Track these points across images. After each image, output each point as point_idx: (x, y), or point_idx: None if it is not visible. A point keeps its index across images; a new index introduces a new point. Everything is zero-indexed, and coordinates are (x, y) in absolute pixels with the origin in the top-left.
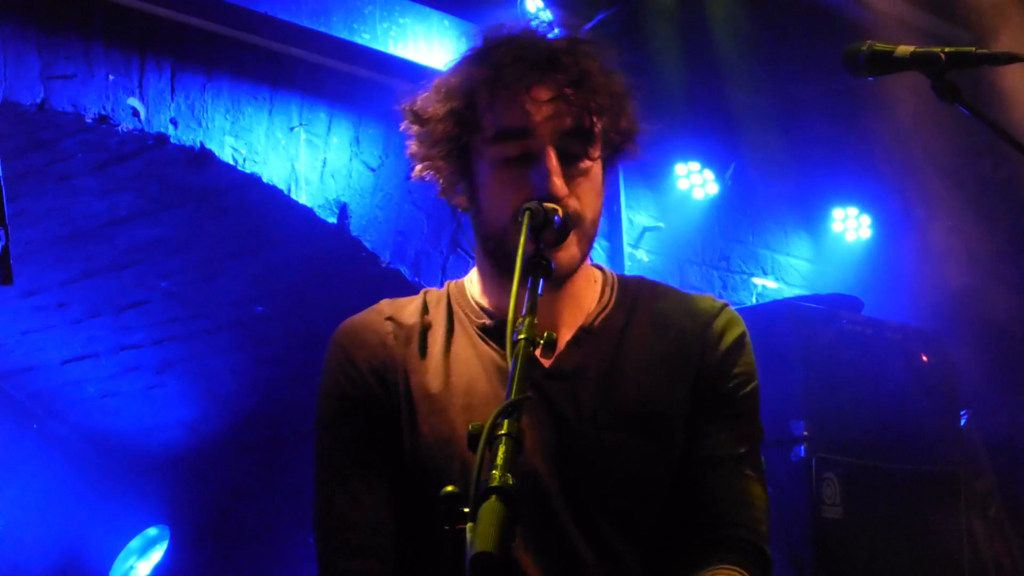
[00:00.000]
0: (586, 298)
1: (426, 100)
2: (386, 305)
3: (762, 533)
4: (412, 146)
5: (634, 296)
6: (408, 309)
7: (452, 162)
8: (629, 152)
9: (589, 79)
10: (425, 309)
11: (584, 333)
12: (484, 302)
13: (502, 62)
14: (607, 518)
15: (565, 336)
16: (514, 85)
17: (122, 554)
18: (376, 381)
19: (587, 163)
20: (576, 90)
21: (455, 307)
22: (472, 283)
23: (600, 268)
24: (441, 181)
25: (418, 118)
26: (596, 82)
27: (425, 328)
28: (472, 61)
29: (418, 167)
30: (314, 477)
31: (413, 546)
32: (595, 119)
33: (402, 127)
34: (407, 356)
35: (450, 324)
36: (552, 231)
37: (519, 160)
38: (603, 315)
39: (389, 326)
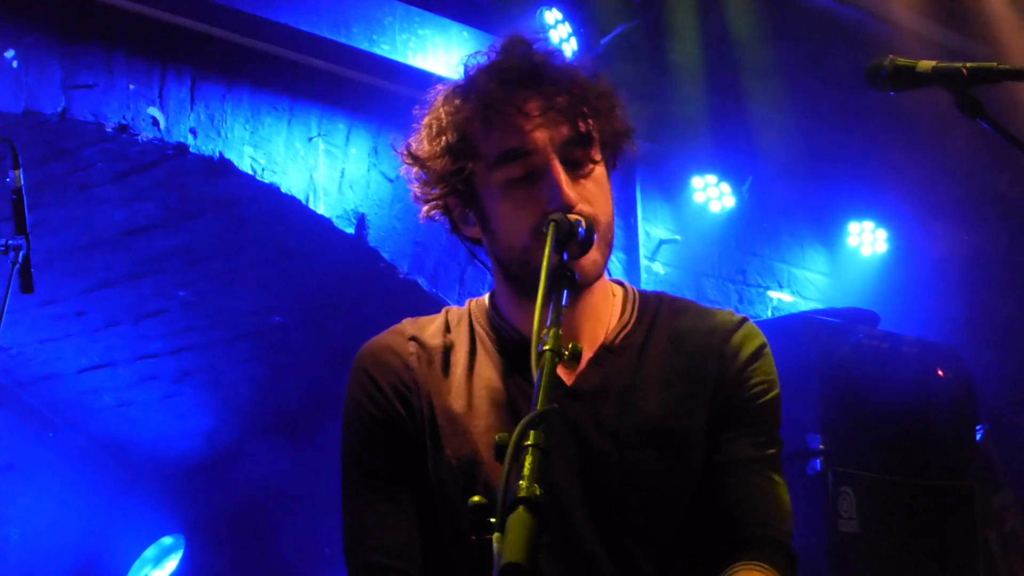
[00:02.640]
0: (605, 313)
1: (419, 141)
2: (408, 325)
3: (786, 531)
4: (415, 189)
5: (654, 312)
6: (430, 329)
7: (458, 196)
8: (627, 151)
9: (576, 85)
10: (447, 328)
11: (605, 351)
12: (506, 322)
13: (488, 87)
14: (630, 534)
15: (586, 353)
16: (505, 107)
17: (137, 563)
18: (400, 403)
19: (590, 166)
20: (566, 97)
21: (476, 326)
22: (493, 302)
23: (621, 283)
24: (450, 217)
25: (415, 160)
26: (583, 86)
27: (447, 348)
28: (457, 93)
29: (425, 208)
30: (341, 498)
31: (439, 565)
32: (590, 122)
33: (401, 172)
34: (430, 377)
35: (472, 344)
36: (576, 242)
37: (526, 179)
38: (624, 332)
39: (412, 347)
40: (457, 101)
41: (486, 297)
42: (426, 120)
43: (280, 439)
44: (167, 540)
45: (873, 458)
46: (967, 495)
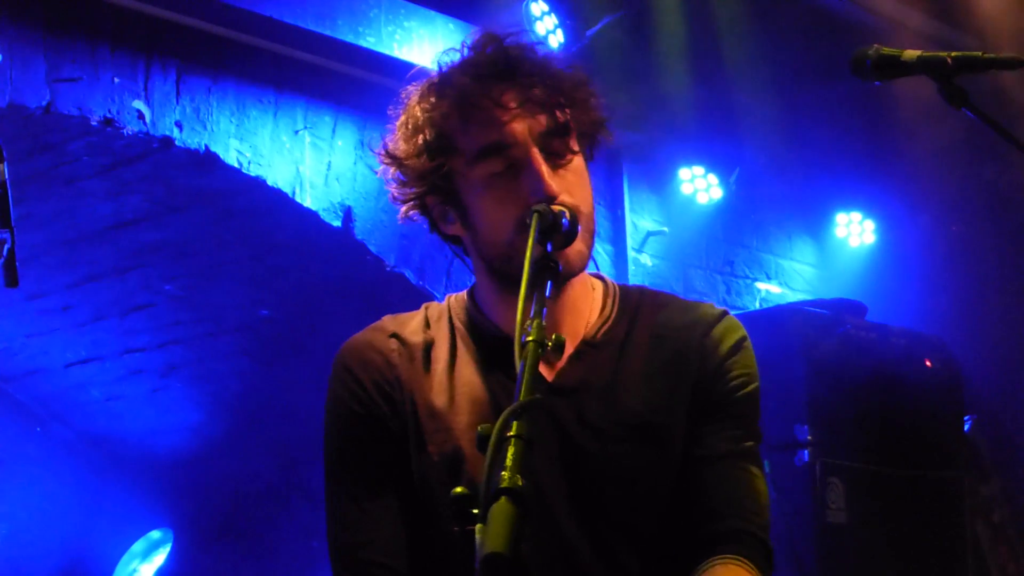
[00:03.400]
0: (585, 307)
1: (395, 140)
2: (389, 322)
3: (762, 524)
4: (393, 189)
5: (635, 307)
6: (411, 325)
7: (437, 194)
8: (603, 141)
9: (552, 75)
10: (427, 324)
11: (586, 346)
12: (488, 318)
13: (464, 81)
14: (612, 529)
15: (567, 348)
16: (482, 101)
17: (125, 557)
18: (383, 400)
19: (569, 157)
20: (542, 89)
21: (456, 322)
22: (473, 298)
23: (601, 277)
24: (430, 216)
25: (393, 160)
26: (559, 77)
27: (428, 344)
28: (432, 90)
29: (403, 208)
30: (324, 495)
31: (425, 560)
32: (567, 112)
33: (379, 173)
34: (412, 373)
35: (452, 340)
36: (560, 233)
37: (507, 172)
38: (605, 327)
39: (393, 343)
40: (433, 98)
41: (465, 293)
42: (401, 119)
43: (268, 433)
44: (155, 534)
45: (861, 449)
46: (955, 485)
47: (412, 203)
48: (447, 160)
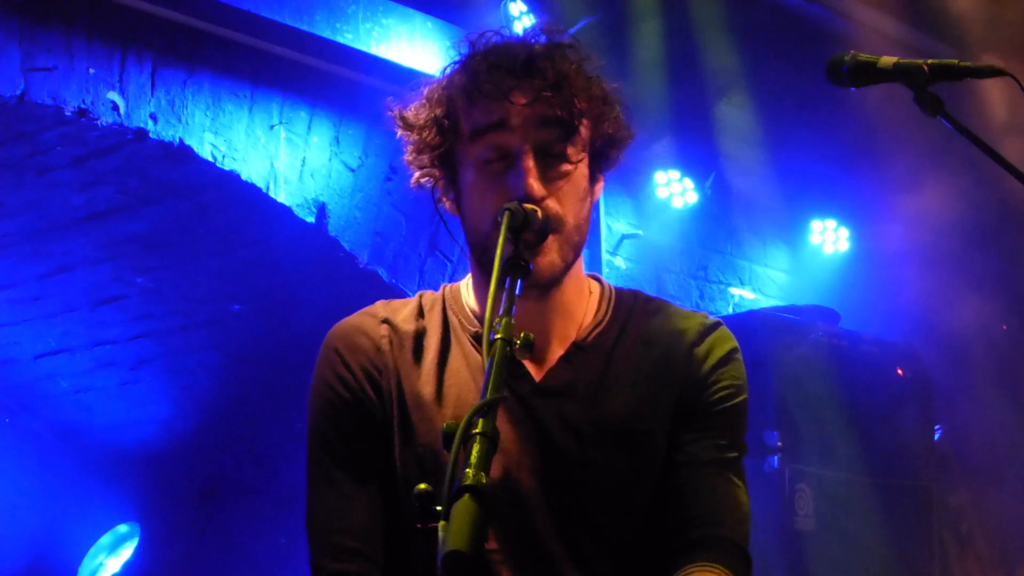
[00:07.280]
0: (579, 310)
1: (414, 107)
2: (381, 307)
3: (742, 533)
4: (407, 153)
5: (628, 312)
6: (403, 312)
7: (440, 169)
8: (615, 159)
9: (568, 83)
10: (420, 313)
11: (576, 349)
12: (476, 309)
13: (479, 69)
14: (590, 534)
15: (557, 351)
16: (492, 91)
17: (92, 550)
18: (370, 385)
19: (568, 166)
20: (555, 93)
21: (449, 313)
22: (467, 289)
23: (598, 280)
24: (436, 189)
25: (407, 125)
26: (575, 85)
27: (420, 333)
28: (454, 69)
29: (416, 174)
30: (306, 478)
31: (402, 548)
32: (575, 122)
33: (399, 135)
34: (401, 361)
35: (445, 330)
36: (531, 232)
37: (499, 163)
38: (597, 331)
39: (384, 329)
40: (451, 77)
41: (460, 284)
42: (427, 90)
43: (237, 428)
44: (122, 528)
45: (830, 456)
46: (924, 495)
47: (422, 172)
48: (450, 139)
